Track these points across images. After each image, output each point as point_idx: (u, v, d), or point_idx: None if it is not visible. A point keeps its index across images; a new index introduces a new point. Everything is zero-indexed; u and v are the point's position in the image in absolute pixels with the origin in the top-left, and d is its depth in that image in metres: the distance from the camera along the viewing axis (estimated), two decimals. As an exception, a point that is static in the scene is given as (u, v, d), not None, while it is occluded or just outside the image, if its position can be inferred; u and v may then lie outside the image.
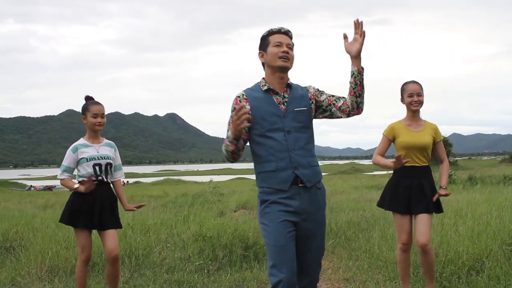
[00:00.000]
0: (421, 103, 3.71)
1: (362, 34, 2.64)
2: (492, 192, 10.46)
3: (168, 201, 13.15)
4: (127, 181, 38.39)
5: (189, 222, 6.62)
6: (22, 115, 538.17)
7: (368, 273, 4.62)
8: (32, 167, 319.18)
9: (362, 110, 2.73)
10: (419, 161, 3.69)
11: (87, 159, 3.73)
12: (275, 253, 2.58)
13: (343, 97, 2.74)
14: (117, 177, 3.95)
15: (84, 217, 3.69)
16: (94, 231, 3.92)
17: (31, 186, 41.62)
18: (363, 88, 2.67)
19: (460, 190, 12.54)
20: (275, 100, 2.70)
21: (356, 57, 2.64)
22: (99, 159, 3.75)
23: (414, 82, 3.75)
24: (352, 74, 2.66)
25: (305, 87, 2.83)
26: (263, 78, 2.79)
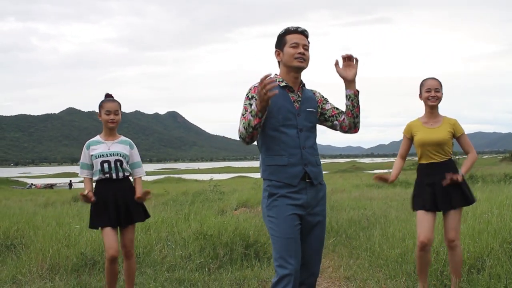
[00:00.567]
0: (438, 98, 3.71)
1: (356, 60, 2.75)
2: (493, 190, 10.46)
3: (168, 199, 13.16)
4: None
5: (190, 220, 6.62)
6: (23, 113, 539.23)
7: (369, 272, 4.62)
8: (33, 165, 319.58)
9: (359, 129, 2.91)
10: (436, 157, 3.68)
11: (96, 156, 3.76)
12: (283, 245, 2.64)
13: (343, 112, 2.86)
14: (137, 175, 3.93)
15: (101, 218, 3.73)
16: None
17: (32, 184, 41.67)
18: (359, 109, 2.82)
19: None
20: (291, 98, 2.78)
21: (352, 81, 2.76)
22: (107, 156, 3.75)
23: (433, 78, 3.77)
24: (349, 98, 2.80)
25: (312, 90, 2.93)
26: (277, 74, 2.84)
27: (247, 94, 2.76)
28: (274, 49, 2.86)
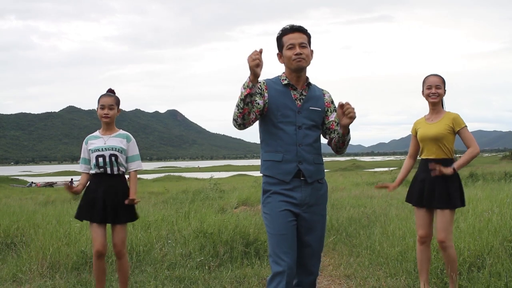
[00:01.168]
0: (439, 95, 3.71)
1: (351, 117, 2.66)
2: (493, 189, 10.45)
3: (168, 198, 13.15)
4: (127, 178, 38.30)
5: (190, 219, 6.62)
6: (23, 112, 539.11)
7: (369, 270, 4.62)
8: (33, 164, 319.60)
9: (341, 154, 2.94)
10: (434, 153, 3.67)
11: (92, 150, 3.78)
12: (276, 241, 2.64)
13: (338, 131, 2.82)
14: (131, 168, 3.90)
15: (88, 211, 3.73)
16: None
17: (32, 182, 41.65)
18: (344, 144, 2.82)
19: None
20: (293, 96, 2.79)
21: (345, 127, 2.72)
22: (102, 150, 3.75)
23: (435, 75, 3.77)
24: (337, 133, 2.81)
25: (322, 90, 2.93)
26: (283, 73, 2.86)
27: None
28: (275, 48, 2.86)
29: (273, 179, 2.73)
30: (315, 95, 2.85)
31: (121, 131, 3.92)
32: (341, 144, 2.82)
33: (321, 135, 2.93)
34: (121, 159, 3.80)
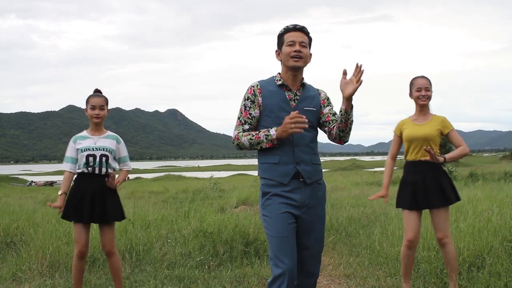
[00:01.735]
0: (429, 97, 3.72)
1: (359, 80, 2.59)
2: (493, 188, 10.45)
3: (168, 197, 13.17)
4: (128, 177, 38.32)
5: (189, 218, 6.62)
6: (23, 111, 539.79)
7: (369, 269, 4.62)
8: (33, 163, 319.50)
9: (344, 142, 2.84)
10: (421, 155, 3.67)
11: (81, 149, 3.74)
12: (277, 244, 2.62)
13: (336, 121, 2.79)
14: (124, 169, 3.94)
15: (75, 211, 3.70)
16: (95, 226, 3.91)
17: (32, 181, 41.64)
18: (347, 125, 2.72)
19: (461, 186, 12.54)
20: (287, 96, 2.77)
21: (347, 99, 2.63)
22: (93, 150, 3.74)
23: (422, 77, 3.76)
24: (340, 111, 2.71)
25: (317, 89, 2.90)
26: (279, 73, 2.85)
27: (244, 94, 2.80)
28: (275, 47, 2.85)
29: (272, 181, 2.71)
30: (309, 95, 2.83)
31: (110, 132, 3.93)
32: (344, 125, 2.70)
33: (319, 132, 2.90)
34: (111, 160, 3.81)
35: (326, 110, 2.85)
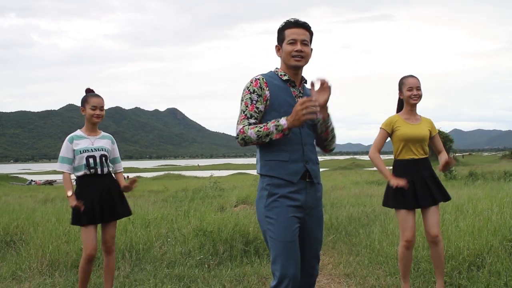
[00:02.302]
0: (420, 97, 3.73)
1: (329, 88, 2.57)
2: (493, 188, 10.46)
3: (168, 196, 13.16)
4: (127, 176, 38.32)
5: (189, 217, 6.62)
6: (23, 110, 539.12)
7: (369, 268, 4.62)
8: (33, 162, 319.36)
9: (330, 150, 2.80)
10: (417, 153, 3.70)
11: (80, 151, 3.71)
12: (282, 249, 2.55)
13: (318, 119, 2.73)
14: (119, 170, 3.95)
15: (86, 215, 3.66)
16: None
17: (31, 180, 41.64)
18: (328, 134, 2.69)
19: (461, 186, 12.55)
20: (292, 93, 2.69)
21: (323, 107, 2.60)
22: (92, 151, 3.73)
23: (412, 76, 3.77)
24: (318, 121, 2.67)
25: (309, 89, 2.79)
26: (278, 68, 2.76)
27: (247, 87, 2.65)
28: (275, 45, 2.77)
29: (279, 180, 2.59)
30: (308, 94, 2.73)
31: (104, 133, 3.93)
32: (325, 135, 2.69)
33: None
34: (109, 159, 3.84)
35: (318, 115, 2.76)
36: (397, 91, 3.83)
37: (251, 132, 2.52)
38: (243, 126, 2.56)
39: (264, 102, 2.63)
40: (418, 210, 3.83)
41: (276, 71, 2.74)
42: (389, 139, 3.83)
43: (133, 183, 3.84)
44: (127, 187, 3.84)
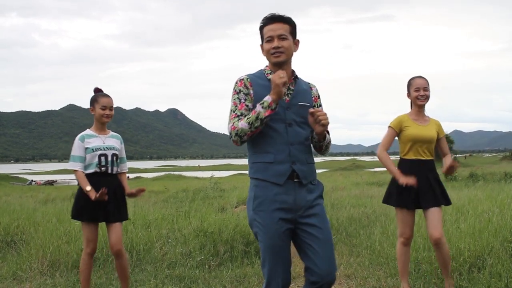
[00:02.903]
0: (427, 97, 3.73)
1: (326, 123, 2.52)
2: (493, 189, 10.45)
3: (169, 197, 13.16)
4: (128, 176, 38.28)
5: (190, 218, 6.62)
6: (24, 110, 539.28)
7: (369, 270, 4.62)
8: (33, 162, 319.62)
9: (323, 155, 2.81)
10: (424, 154, 3.70)
11: (92, 149, 3.72)
12: (270, 252, 2.53)
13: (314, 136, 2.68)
14: (124, 170, 3.95)
15: (88, 211, 3.69)
16: (101, 224, 3.91)
17: (32, 180, 41.67)
18: (322, 148, 2.68)
19: (462, 187, 12.54)
20: None
21: (320, 134, 2.57)
22: (105, 149, 3.76)
23: (420, 77, 3.77)
24: (313, 138, 2.64)
25: (308, 83, 2.77)
26: (267, 66, 2.70)
27: (234, 88, 2.63)
28: (260, 44, 2.71)
29: (265, 182, 2.53)
30: (302, 89, 2.67)
31: (113, 132, 3.95)
32: (318, 149, 2.68)
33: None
34: (119, 159, 3.86)
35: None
36: (404, 92, 3.85)
37: (242, 123, 2.48)
38: (233, 123, 2.52)
39: (253, 101, 2.58)
40: (419, 211, 3.84)
41: (264, 70, 2.69)
42: (396, 138, 3.84)
43: (140, 192, 3.86)
44: (132, 194, 3.85)
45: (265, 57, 2.68)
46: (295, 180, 2.55)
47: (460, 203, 7.23)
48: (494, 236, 4.62)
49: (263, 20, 2.62)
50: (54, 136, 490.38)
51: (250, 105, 2.57)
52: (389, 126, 3.81)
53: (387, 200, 3.85)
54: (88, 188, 3.63)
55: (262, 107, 2.45)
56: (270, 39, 2.56)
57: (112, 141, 3.84)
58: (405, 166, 3.73)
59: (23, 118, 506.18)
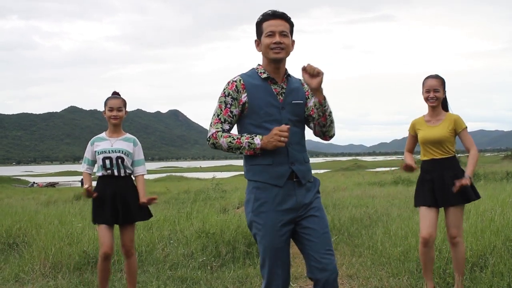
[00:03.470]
0: (438, 99, 3.71)
1: (320, 72, 2.48)
2: (495, 188, 10.44)
3: (170, 198, 13.17)
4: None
5: (192, 219, 6.62)
6: (25, 112, 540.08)
7: (371, 270, 4.61)
8: (35, 164, 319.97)
9: (330, 137, 2.72)
10: (437, 154, 3.70)
11: (98, 152, 3.81)
12: (270, 254, 2.52)
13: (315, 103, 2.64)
14: (138, 172, 3.93)
15: (100, 214, 3.77)
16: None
17: (34, 182, 41.70)
18: (326, 118, 2.59)
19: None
20: (274, 90, 2.58)
21: (317, 89, 2.51)
22: (109, 152, 3.79)
23: (433, 77, 3.74)
24: (314, 105, 2.57)
25: (299, 80, 2.71)
26: (260, 65, 2.64)
27: (224, 89, 2.57)
28: (255, 39, 2.65)
29: (265, 184, 2.51)
30: (294, 87, 2.63)
31: (128, 135, 3.97)
32: (323, 119, 2.58)
33: (308, 127, 2.73)
34: (127, 162, 3.84)
35: (310, 103, 2.65)
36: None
37: (223, 141, 2.49)
38: (216, 131, 2.52)
39: (240, 106, 2.55)
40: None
41: (257, 69, 2.63)
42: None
43: (152, 200, 3.89)
44: (144, 204, 3.87)
45: (260, 53, 2.62)
46: (294, 180, 2.54)
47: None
48: (496, 235, 4.62)
49: (262, 15, 2.58)
50: (55, 138, 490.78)
51: (235, 111, 2.55)
52: (408, 131, 3.93)
53: (415, 202, 3.84)
54: (85, 186, 3.76)
55: (248, 146, 2.47)
56: (271, 34, 2.52)
57: (122, 144, 3.86)
58: (422, 167, 3.80)
59: (24, 120, 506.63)
